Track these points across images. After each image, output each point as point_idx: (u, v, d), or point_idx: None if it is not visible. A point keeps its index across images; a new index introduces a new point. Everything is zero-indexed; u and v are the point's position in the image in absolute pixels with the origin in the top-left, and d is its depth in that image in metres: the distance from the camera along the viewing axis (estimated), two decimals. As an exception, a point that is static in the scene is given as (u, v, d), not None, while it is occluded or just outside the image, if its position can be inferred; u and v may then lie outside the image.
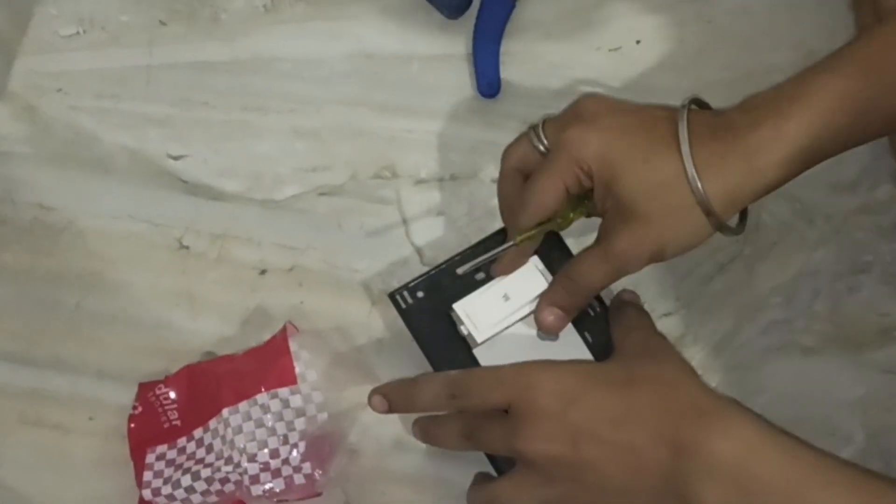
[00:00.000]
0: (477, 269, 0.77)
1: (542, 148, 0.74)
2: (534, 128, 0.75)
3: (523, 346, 0.76)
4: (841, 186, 0.89)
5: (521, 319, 0.77)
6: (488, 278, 0.78)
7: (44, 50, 0.95)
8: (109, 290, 0.88)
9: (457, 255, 0.79)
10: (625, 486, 0.65)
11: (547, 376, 0.68)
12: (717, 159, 0.68)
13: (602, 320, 0.77)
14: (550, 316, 0.75)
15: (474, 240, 0.81)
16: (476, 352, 0.76)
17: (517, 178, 0.76)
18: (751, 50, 0.93)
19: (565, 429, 0.66)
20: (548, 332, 0.76)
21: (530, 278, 0.77)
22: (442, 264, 0.79)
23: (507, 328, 0.76)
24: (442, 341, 0.77)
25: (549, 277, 0.77)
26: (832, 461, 0.62)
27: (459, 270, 0.76)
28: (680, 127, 0.69)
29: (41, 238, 0.90)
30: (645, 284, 0.82)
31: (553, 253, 0.78)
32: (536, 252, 0.78)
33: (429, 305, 0.77)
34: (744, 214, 0.74)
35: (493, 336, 0.76)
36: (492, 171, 0.90)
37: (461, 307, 0.77)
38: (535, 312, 0.76)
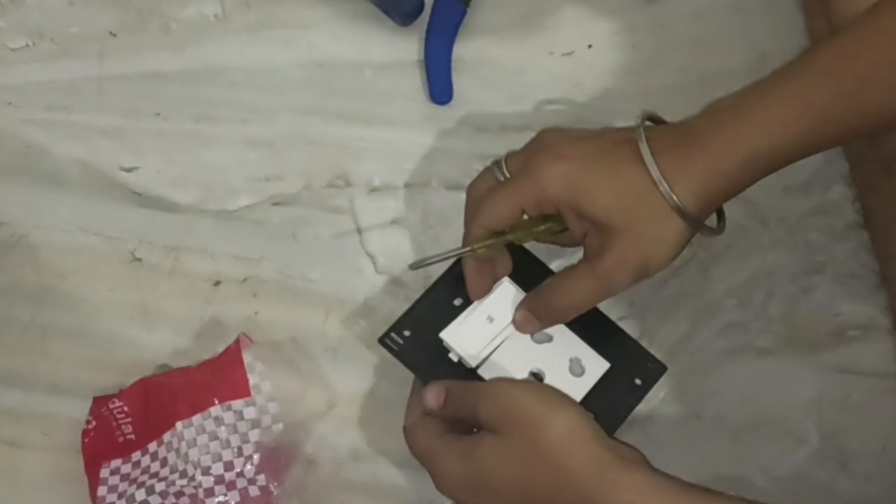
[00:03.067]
0: (454, 295, 0.78)
1: (503, 179, 0.74)
2: (497, 162, 0.75)
3: (522, 352, 0.76)
4: (794, 188, 0.90)
5: (509, 335, 0.77)
6: (467, 303, 0.78)
7: (-7, 63, 0.95)
8: (62, 304, 0.88)
9: (431, 286, 0.79)
10: None
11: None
12: (683, 165, 0.68)
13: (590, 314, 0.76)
14: (522, 318, 0.75)
15: (429, 247, 0.81)
16: (480, 371, 0.76)
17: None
18: (704, 53, 0.93)
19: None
20: (518, 330, 0.76)
21: (508, 297, 0.77)
22: (420, 298, 0.79)
23: (499, 345, 0.76)
24: (443, 371, 0.76)
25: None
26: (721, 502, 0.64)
27: (410, 265, 0.76)
28: (640, 145, 0.69)
29: (-8, 252, 0.89)
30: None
31: (526, 271, 0.78)
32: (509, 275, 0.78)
33: (419, 340, 0.77)
34: (721, 213, 0.74)
35: (486, 357, 0.76)
36: (445, 178, 0.90)
37: (448, 335, 0.76)
38: (514, 315, 0.76)
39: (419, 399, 0.75)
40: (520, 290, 0.77)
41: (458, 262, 0.78)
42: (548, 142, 0.73)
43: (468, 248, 0.74)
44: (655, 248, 0.70)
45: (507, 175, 0.74)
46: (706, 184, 0.68)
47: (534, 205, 0.71)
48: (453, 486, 0.70)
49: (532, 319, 0.75)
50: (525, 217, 0.73)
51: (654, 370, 0.78)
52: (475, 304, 0.77)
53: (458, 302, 0.78)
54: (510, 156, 0.75)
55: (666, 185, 0.67)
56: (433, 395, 0.73)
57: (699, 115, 0.70)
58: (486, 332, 0.76)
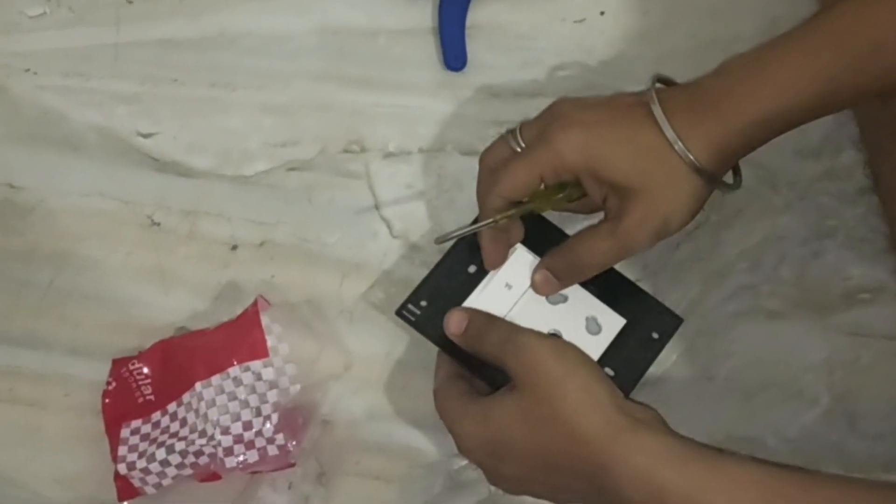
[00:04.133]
0: (468, 263, 0.78)
1: (518, 150, 0.75)
2: (511, 132, 0.76)
3: (539, 314, 0.77)
4: (805, 153, 0.90)
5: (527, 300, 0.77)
6: (481, 272, 0.78)
7: (11, 30, 0.95)
8: (81, 268, 0.89)
9: (444, 255, 0.80)
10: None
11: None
12: (696, 124, 0.69)
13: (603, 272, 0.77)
14: (541, 278, 0.76)
15: (444, 212, 0.81)
16: None
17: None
18: (715, 18, 0.94)
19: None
20: (536, 291, 0.77)
21: (524, 263, 0.77)
22: (434, 268, 0.79)
23: (517, 310, 0.77)
24: None
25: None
26: (733, 463, 0.63)
27: (436, 240, 0.76)
28: (652, 107, 0.70)
29: (11, 217, 0.90)
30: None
31: (538, 235, 0.78)
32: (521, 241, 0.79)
33: (436, 309, 0.77)
34: (737, 170, 0.75)
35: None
36: (460, 143, 0.91)
37: (470, 305, 0.77)
38: (532, 274, 0.77)
39: (445, 362, 0.76)
40: (534, 255, 0.78)
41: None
42: (562, 111, 0.73)
43: (491, 220, 0.74)
44: (674, 206, 0.71)
45: (522, 144, 0.74)
46: (720, 141, 0.69)
47: (552, 173, 0.72)
48: (471, 449, 0.71)
49: (551, 280, 0.76)
50: (543, 186, 0.73)
51: (670, 323, 0.78)
52: (491, 273, 0.78)
53: (472, 269, 0.78)
54: (524, 125, 0.76)
55: (681, 144, 0.68)
56: (455, 322, 0.74)
57: (711, 75, 0.71)
58: (505, 298, 0.77)
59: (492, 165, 0.76)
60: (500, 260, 0.78)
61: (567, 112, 0.73)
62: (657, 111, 0.69)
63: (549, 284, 0.76)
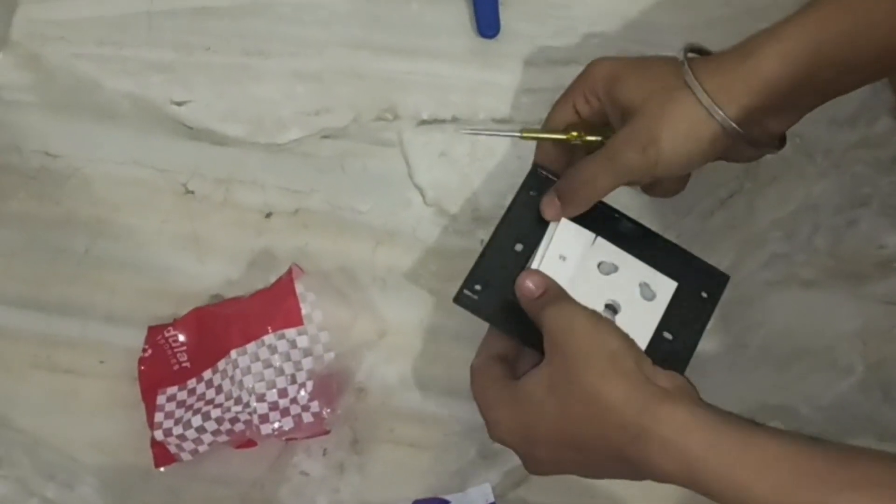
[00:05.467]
0: (514, 242, 0.77)
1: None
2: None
3: (593, 286, 0.76)
4: (840, 121, 0.90)
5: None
6: (528, 248, 0.78)
7: (45, -1, 0.96)
8: (116, 236, 0.89)
9: (491, 237, 0.78)
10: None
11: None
12: (725, 86, 0.69)
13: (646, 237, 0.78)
14: (548, 202, 0.75)
15: (476, 180, 0.81)
16: None
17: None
18: (750, -14, 0.93)
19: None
20: (543, 216, 0.76)
21: (571, 233, 0.77)
22: (483, 251, 0.78)
23: (570, 283, 0.77)
24: (521, 317, 0.75)
25: (591, 234, 0.77)
26: (765, 437, 0.63)
27: (464, 130, 0.78)
28: (683, 71, 0.70)
29: (48, 185, 0.90)
30: (647, 221, 0.82)
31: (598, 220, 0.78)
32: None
33: (492, 292, 0.76)
34: (782, 137, 0.75)
35: None
36: (493, 111, 0.91)
37: None
38: (541, 199, 0.76)
39: (490, 342, 0.75)
40: (580, 227, 0.77)
41: (513, 209, 0.78)
42: (598, 60, 0.75)
43: (517, 133, 0.76)
44: (666, 131, 0.70)
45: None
46: (748, 102, 0.68)
47: (582, 100, 0.74)
48: (504, 434, 0.71)
49: (554, 202, 0.75)
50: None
51: (718, 281, 0.78)
52: (542, 247, 0.77)
53: (519, 248, 0.78)
54: None
55: (707, 97, 0.68)
56: (534, 283, 0.73)
57: (737, 44, 0.71)
58: (561, 271, 0.76)
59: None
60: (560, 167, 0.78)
61: (603, 58, 0.75)
62: (689, 78, 0.69)
63: (552, 206, 0.75)
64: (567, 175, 0.75)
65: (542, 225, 0.77)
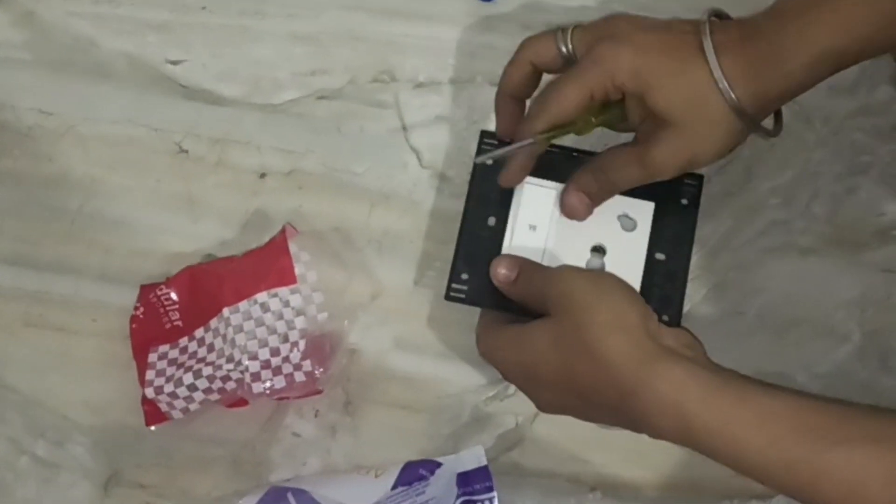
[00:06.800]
0: (486, 216, 0.77)
1: (564, 51, 0.73)
2: (562, 29, 0.74)
3: (573, 236, 0.76)
4: (840, 88, 0.89)
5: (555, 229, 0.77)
6: (501, 220, 0.77)
7: (41, -44, 0.95)
8: (110, 195, 0.89)
9: (462, 220, 0.78)
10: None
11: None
12: (745, 65, 0.68)
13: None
14: (577, 201, 0.75)
15: (472, 143, 0.80)
16: None
17: (528, 69, 0.75)
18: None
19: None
20: (571, 217, 0.76)
21: (538, 197, 0.76)
22: (458, 237, 0.77)
23: (551, 241, 0.76)
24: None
25: (555, 185, 0.76)
26: (761, 393, 0.63)
27: (477, 160, 0.76)
28: (704, 41, 0.69)
29: (42, 143, 0.90)
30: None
31: (552, 162, 0.77)
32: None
33: (478, 276, 0.75)
34: (778, 115, 0.74)
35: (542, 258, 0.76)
36: (490, 74, 0.90)
37: None
38: (562, 196, 0.75)
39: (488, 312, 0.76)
40: (541, 182, 0.77)
41: (474, 185, 0.77)
42: (618, 28, 0.72)
43: (530, 141, 0.71)
44: (706, 145, 0.70)
45: (570, 48, 0.73)
46: (767, 85, 0.68)
47: (601, 93, 0.71)
48: (510, 372, 0.72)
49: (586, 201, 0.75)
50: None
51: (693, 185, 0.77)
52: (510, 220, 0.77)
53: (492, 221, 0.77)
54: (577, 30, 0.73)
55: (726, 84, 0.67)
56: (505, 270, 0.73)
57: (765, 13, 0.70)
58: (535, 238, 0.76)
59: (530, 56, 0.75)
60: (519, 180, 0.76)
61: (622, 31, 0.71)
62: (708, 47, 0.68)
63: (584, 205, 0.75)
64: (598, 175, 0.74)
65: (508, 192, 0.77)
